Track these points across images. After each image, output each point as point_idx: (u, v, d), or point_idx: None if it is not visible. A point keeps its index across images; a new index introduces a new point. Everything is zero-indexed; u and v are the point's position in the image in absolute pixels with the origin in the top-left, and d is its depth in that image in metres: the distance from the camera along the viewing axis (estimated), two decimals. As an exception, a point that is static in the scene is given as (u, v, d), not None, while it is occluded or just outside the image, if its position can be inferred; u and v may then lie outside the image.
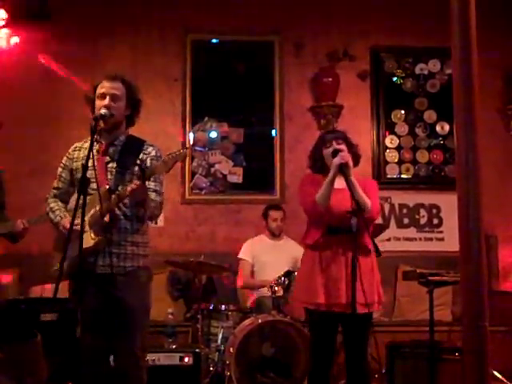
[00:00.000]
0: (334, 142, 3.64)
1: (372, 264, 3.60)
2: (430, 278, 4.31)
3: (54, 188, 3.41)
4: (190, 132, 6.26)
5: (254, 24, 6.38)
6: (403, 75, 6.55)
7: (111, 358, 3.27)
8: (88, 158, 2.93)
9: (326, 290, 3.50)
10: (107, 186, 3.14)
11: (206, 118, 6.31)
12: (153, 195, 3.19)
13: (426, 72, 6.53)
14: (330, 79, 6.32)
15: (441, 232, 6.30)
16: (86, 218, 3.07)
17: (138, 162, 3.17)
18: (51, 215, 3.33)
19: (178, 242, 6.07)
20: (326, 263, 3.53)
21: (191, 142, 6.25)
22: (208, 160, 6.27)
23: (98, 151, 3.26)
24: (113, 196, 3.07)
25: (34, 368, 1.92)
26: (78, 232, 2.86)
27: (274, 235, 5.38)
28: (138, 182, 2.99)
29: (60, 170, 3.40)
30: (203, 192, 6.25)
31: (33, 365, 1.92)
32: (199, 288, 4.94)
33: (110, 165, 3.26)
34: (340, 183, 3.54)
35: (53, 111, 6.09)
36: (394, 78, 6.55)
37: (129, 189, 3.01)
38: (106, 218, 3.12)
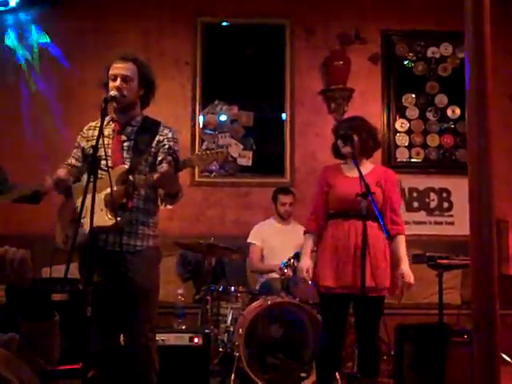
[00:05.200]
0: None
1: (384, 249, 3.63)
2: (440, 261, 4.32)
3: (68, 164, 3.41)
4: (200, 115, 6.27)
5: (265, 7, 6.35)
6: (414, 59, 6.50)
7: (121, 337, 3.31)
8: (98, 139, 2.95)
9: (334, 272, 3.59)
10: (126, 166, 3.15)
11: (216, 101, 6.31)
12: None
13: (437, 55, 6.49)
14: (341, 63, 6.28)
15: (451, 216, 6.29)
16: (102, 196, 3.09)
17: (160, 144, 3.20)
18: None
19: (188, 224, 6.09)
20: (335, 246, 3.62)
21: (201, 125, 6.26)
22: (218, 143, 6.27)
23: (113, 130, 3.28)
24: (137, 177, 3.08)
25: (47, 349, 1.94)
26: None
27: (283, 219, 5.39)
28: (166, 169, 2.98)
29: (75, 148, 3.42)
30: (213, 175, 6.26)
31: (47, 346, 1.94)
32: (209, 270, 4.96)
33: (126, 144, 3.27)
34: (354, 172, 3.69)
35: (65, 95, 6.11)
36: (406, 62, 6.51)
37: (156, 175, 3.01)
38: (124, 199, 3.14)
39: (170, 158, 3.01)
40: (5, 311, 3.51)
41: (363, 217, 3.54)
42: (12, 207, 4.50)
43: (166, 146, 3.22)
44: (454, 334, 4.35)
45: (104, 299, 3.17)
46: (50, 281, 4.24)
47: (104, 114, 3.09)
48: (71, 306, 3.73)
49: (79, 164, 3.40)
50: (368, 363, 3.67)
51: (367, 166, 3.76)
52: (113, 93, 3.17)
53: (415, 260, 4.71)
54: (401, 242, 3.66)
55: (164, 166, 3.01)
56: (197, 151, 3.13)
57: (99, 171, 3.05)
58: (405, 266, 3.64)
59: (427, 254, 4.42)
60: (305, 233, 3.89)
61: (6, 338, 1.92)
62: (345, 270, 3.57)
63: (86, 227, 2.94)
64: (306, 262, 3.74)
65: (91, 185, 2.84)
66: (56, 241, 3.29)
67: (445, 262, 4.33)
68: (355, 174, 3.69)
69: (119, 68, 3.24)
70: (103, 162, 3.12)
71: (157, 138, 3.27)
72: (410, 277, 3.63)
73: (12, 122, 6.00)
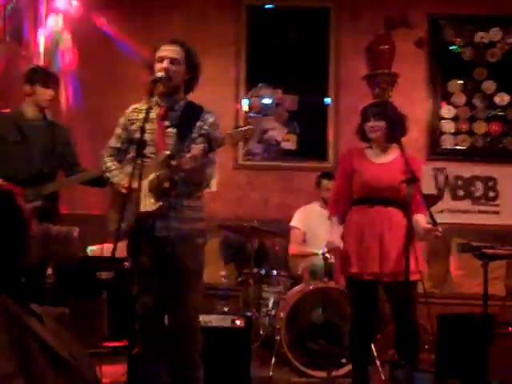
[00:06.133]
0: (371, 119, 3.70)
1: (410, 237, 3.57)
2: (485, 250, 4.24)
3: (111, 147, 3.41)
4: (244, 98, 6.26)
5: (311, -10, 6.31)
6: (462, 43, 6.37)
7: (165, 317, 3.34)
8: (145, 121, 2.96)
9: (360, 259, 3.61)
10: (167, 152, 3.16)
11: (261, 85, 6.29)
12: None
13: (486, 41, 6.34)
14: (386, 47, 6.21)
15: (497, 205, 6.18)
16: (146, 182, 3.11)
17: (201, 130, 3.21)
18: (108, 174, 3.34)
19: (231, 206, 6.11)
20: (360, 233, 3.63)
21: (245, 109, 6.25)
22: (262, 126, 6.25)
23: (157, 115, 3.28)
24: (179, 161, 3.08)
25: (95, 326, 1.97)
26: (136, 194, 2.92)
27: (326, 204, 5.35)
28: (198, 152, 2.99)
29: (119, 130, 3.41)
30: (256, 158, 6.26)
31: (96, 322, 1.97)
32: (251, 253, 4.96)
33: (169, 129, 3.27)
34: (381, 158, 3.72)
35: (109, 75, 6.17)
36: (453, 47, 6.38)
37: (187, 155, 3.02)
38: (167, 184, 3.15)
39: (203, 140, 3.03)
40: (54, 288, 3.57)
41: (405, 204, 3.50)
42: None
43: (203, 131, 3.23)
44: (499, 326, 4.28)
45: (150, 279, 3.20)
46: (97, 259, 4.32)
47: (151, 95, 3.10)
48: (117, 285, 3.78)
49: (124, 146, 3.42)
50: (407, 348, 3.64)
51: (393, 153, 3.72)
52: (160, 74, 3.18)
53: (460, 249, 4.64)
54: (421, 217, 3.59)
55: (194, 148, 3.01)
56: (228, 131, 3.10)
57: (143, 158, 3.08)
58: (424, 225, 3.55)
59: (473, 244, 4.34)
60: (329, 217, 3.84)
61: (57, 312, 1.94)
62: (371, 257, 3.57)
63: (133, 213, 2.96)
64: (338, 238, 3.69)
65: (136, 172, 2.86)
66: (109, 228, 3.32)
67: (491, 251, 4.25)
68: (382, 160, 3.72)
69: (167, 50, 3.25)
70: (147, 149, 3.14)
71: (198, 124, 3.27)
72: (434, 228, 3.47)
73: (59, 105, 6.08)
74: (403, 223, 3.57)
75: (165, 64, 3.22)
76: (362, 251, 3.61)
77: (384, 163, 3.70)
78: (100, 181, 3.69)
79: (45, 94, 4.16)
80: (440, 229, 3.49)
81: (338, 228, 3.75)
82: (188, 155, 3.02)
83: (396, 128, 3.68)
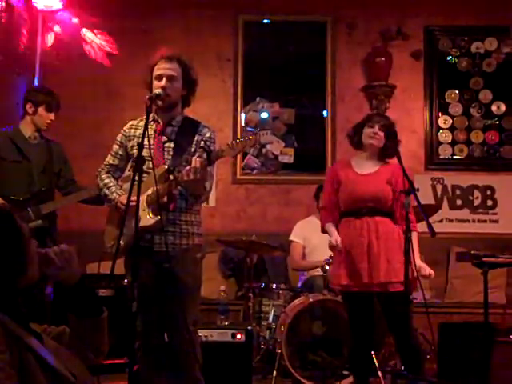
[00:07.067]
0: (376, 126, 3.72)
1: (400, 243, 3.58)
2: (485, 259, 4.25)
3: (108, 164, 3.44)
4: (241, 112, 6.29)
5: (306, 3, 6.34)
6: (458, 54, 6.41)
7: (165, 333, 3.35)
8: (143, 137, 2.97)
9: (349, 271, 3.62)
10: (166, 166, 3.19)
11: (258, 99, 6.33)
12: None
13: (482, 51, 6.38)
14: (383, 59, 6.24)
15: (495, 214, 6.19)
16: (144, 197, 3.13)
17: (199, 144, 3.23)
18: (106, 191, 3.36)
19: (230, 221, 6.13)
20: (349, 245, 3.64)
21: (243, 123, 6.28)
22: (259, 140, 6.28)
23: (154, 130, 3.31)
24: (178, 176, 3.11)
25: (96, 344, 1.98)
26: (134, 209, 2.93)
27: (325, 216, 5.37)
28: (198, 165, 3.01)
29: (116, 147, 3.43)
30: (254, 172, 6.29)
31: (96, 341, 1.98)
32: (250, 267, 4.98)
33: (166, 144, 3.30)
34: (365, 169, 3.75)
35: (107, 93, 6.20)
36: (449, 57, 6.42)
37: (187, 168, 3.04)
38: (165, 198, 3.17)
39: (202, 152, 3.04)
40: (54, 306, 3.59)
41: (392, 213, 3.61)
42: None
43: (201, 144, 3.26)
44: (500, 334, 4.29)
45: (149, 295, 3.21)
46: (96, 277, 4.33)
47: (149, 112, 3.12)
48: (116, 302, 3.80)
49: (122, 163, 3.45)
50: (411, 360, 3.64)
51: (378, 164, 3.76)
52: (158, 91, 3.20)
53: (460, 258, 4.65)
54: (414, 237, 3.62)
55: (194, 161, 3.03)
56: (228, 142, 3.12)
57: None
58: (418, 261, 3.64)
59: (472, 252, 4.36)
60: (323, 228, 3.81)
61: (58, 330, 1.96)
62: (359, 268, 3.59)
63: (131, 229, 2.97)
64: (337, 236, 3.67)
65: (134, 187, 2.88)
66: (104, 245, 3.34)
67: (490, 260, 4.26)
68: (366, 170, 3.74)
69: (165, 68, 3.27)
70: (145, 164, 3.15)
71: (196, 138, 3.30)
72: (425, 269, 3.65)
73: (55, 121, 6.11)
74: (392, 232, 3.62)
75: (163, 83, 3.24)
76: (351, 263, 3.63)
77: (368, 174, 3.73)
78: (99, 199, 3.72)
79: (47, 117, 4.19)
80: (430, 272, 3.65)
81: (334, 229, 3.73)
82: (188, 167, 3.04)
83: (390, 146, 3.73)
